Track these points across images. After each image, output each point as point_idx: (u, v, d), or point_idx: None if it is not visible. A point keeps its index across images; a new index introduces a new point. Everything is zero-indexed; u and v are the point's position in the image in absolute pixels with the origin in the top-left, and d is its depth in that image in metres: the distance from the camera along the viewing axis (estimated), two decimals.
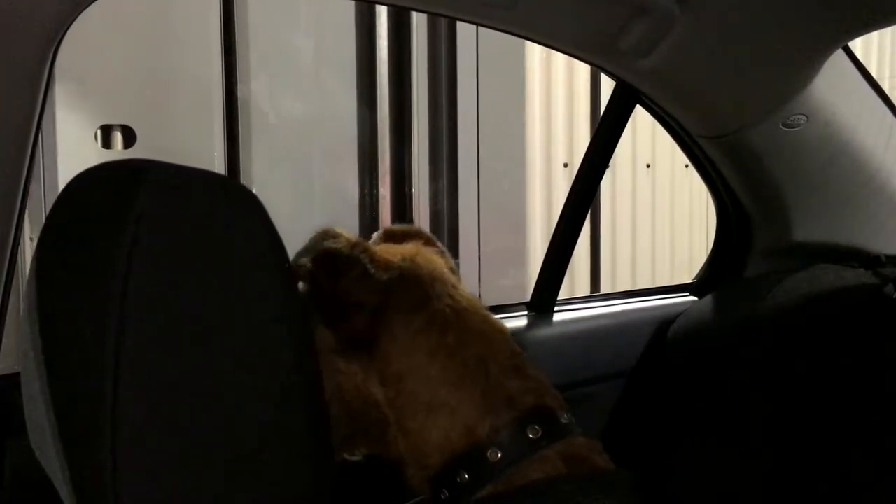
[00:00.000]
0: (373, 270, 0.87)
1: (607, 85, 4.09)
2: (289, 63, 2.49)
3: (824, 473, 1.39)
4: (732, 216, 1.84)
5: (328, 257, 0.86)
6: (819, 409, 1.42)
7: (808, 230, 1.73)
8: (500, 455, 0.84)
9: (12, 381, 1.10)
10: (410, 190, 2.74)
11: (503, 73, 2.98)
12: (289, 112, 2.49)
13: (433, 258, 0.98)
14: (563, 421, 0.88)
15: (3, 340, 1.11)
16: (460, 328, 0.90)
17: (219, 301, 0.67)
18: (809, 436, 1.42)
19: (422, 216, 2.77)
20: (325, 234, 0.88)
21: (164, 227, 0.64)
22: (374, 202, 2.68)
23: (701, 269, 2.02)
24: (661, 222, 4.56)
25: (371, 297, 0.87)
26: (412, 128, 2.74)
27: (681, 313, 1.84)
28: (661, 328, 1.83)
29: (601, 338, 1.78)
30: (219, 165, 2.29)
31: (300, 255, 0.88)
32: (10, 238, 0.96)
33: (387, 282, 0.88)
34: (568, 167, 4.16)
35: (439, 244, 1.07)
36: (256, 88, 2.38)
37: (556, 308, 1.78)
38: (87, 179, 0.72)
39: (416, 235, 1.05)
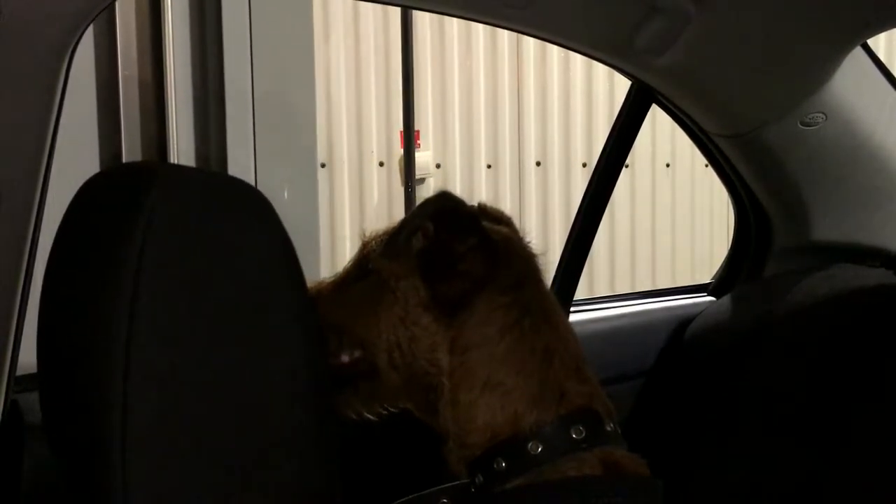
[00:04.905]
0: (486, 245, 0.91)
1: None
2: None
3: (844, 473, 1.37)
4: (751, 215, 1.82)
5: (452, 217, 0.90)
6: (838, 409, 1.40)
7: (827, 229, 1.71)
8: (540, 448, 0.86)
9: (30, 382, 1.11)
10: None
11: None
12: None
13: (529, 249, 1.02)
14: (608, 429, 0.90)
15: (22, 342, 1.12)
16: (539, 317, 0.93)
17: (229, 302, 0.68)
18: (828, 436, 1.40)
19: None
20: (451, 197, 0.91)
21: (175, 228, 0.65)
22: None
23: (719, 269, 2.00)
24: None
25: (478, 268, 0.91)
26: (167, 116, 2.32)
27: (698, 313, 1.83)
28: (679, 328, 1.81)
29: (618, 338, 1.77)
30: None
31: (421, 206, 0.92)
32: (28, 241, 0.98)
33: (494, 258, 0.92)
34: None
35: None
36: None
37: (572, 308, 1.77)
38: (100, 181, 0.72)
39: (508, 223, 1.08)
